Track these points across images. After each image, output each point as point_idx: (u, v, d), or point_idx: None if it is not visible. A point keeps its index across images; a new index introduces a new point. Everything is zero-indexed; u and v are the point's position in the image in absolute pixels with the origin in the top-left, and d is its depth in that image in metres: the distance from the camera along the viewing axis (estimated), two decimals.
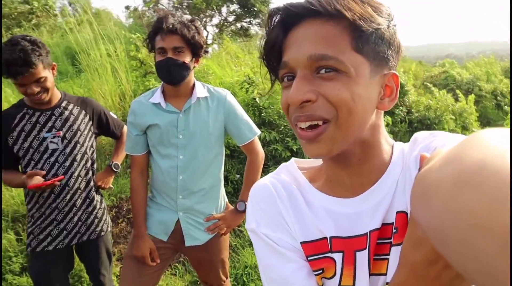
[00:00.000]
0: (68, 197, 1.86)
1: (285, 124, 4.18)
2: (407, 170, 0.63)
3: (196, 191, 1.80)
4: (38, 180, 1.70)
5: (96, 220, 1.98)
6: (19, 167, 1.87)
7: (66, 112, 1.86)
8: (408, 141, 0.69)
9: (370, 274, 0.63)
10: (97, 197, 2.01)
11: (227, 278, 2.02)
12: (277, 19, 0.61)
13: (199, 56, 1.74)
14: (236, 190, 3.70)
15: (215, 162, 1.84)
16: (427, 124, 5.19)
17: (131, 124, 1.79)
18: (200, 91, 1.77)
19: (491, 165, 0.28)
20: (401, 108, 5.01)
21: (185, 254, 1.97)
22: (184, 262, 3.08)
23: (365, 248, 0.63)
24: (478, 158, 0.29)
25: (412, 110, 5.19)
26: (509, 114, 4.12)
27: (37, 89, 1.71)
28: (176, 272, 3.00)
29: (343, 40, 0.57)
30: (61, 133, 1.83)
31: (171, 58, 1.64)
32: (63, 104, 1.87)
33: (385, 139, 0.67)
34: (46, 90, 1.75)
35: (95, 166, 2.01)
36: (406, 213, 0.61)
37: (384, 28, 0.59)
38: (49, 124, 1.82)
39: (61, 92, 1.92)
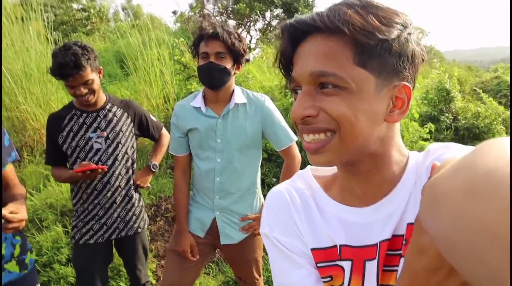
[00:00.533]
0: (109, 195, 1.98)
1: None
2: (419, 181, 0.63)
3: (233, 192, 1.86)
4: (83, 166, 1.82)
5: (134, 217, 2.08)
6: (67, 165, 2.01)
7: (110, 114, 1.98)
8: None
9: (379, 285, 0.64)
10: (136, 196, 2.11)
11: (260, 276, 2.06)
12: (286, 35, 0.63)
13: (240, 63, 1.79)
14: None
15: (252, 165, 1.89)
16: (475, 132, 4.94)
17: (174, 126, 1.88)
18: (239, 97, 1.82)
19: (502, 173, 0.28)
20: (446, 114, 4.79)
21: (221, 250, 2.05)
22: (218, 262, 3.14)
23: (375, 258, 0.64)
24: (489, 167, 0.30)
25: (459, 117, 4.97)
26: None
27: (85, 91, 1.84)
28: (209, 271, 3.07)
29: (344, 56, 0.57)
30: (105, 134, 1.95)
31: (213, 62, 1.70)
32: (108, 106, 1.99)
33: (399, 151, 0.66)
34: (92, 91, 1.88)
35: (135, 165, 2.12)
36: None
37: (392, 39, 0.57)
38: (95, 125, 1.94)
39: (107, 95, 2.04)
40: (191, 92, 4.89)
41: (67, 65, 1.75)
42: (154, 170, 2.20)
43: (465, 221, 0.30)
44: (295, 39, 0.62)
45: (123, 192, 2.03)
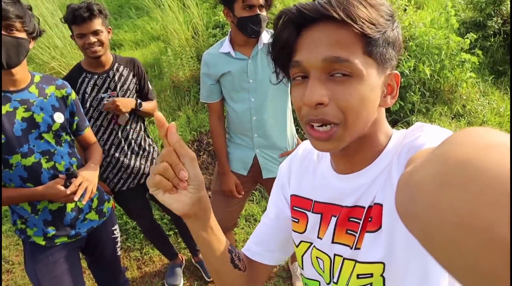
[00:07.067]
0: (126, 147, 2.15)
1: None
2: (390, 165, 0.66)
3: (270, 129, 1.96)
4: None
5: (154, 162, 2.27)
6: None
7: (118, 74, 2.07)
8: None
9: (334, 238, 0.73)
10: (149, 141, 2.29)
11: None
12: (289, 20, 0.63)
13: (270, 7, 1.84)
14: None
15: (283, 102, 1.97)
16: None
17: (205, 75, 1.95)
18: (266, 37, 1.88)
19: (475, 164, 0.28)
20: (494, 19, 4.30)
21: (262, 184, 2.19)
22: (261, 190, 3.33)
23: (337, 216, 0.73)
24: (462, 158, 0.30)
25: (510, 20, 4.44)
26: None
27: (94, 40, 1.92)
28: (253, 199, 3.28)
29: (356, 45, 0.59)
30: (115, 93, 2.05)
31: (260, 14, 1.76)
32: (115, 67, 2.07)
33: (384, 132, 0.70)
34: (101, 43, 1.95)
35: (144, 118, 2.26)
36: (382, 205, 0.65)
37: (389, 31, 0.62)
38: (105, 85, 2.04)
39: (113, 55, 2.11)
40: (219, 23, 4.78)
41: (80, 9, 1.86)
42: (139, 107, 2.14)
43: (439, 213, 0.30)
44: (298, 25, 0.63)
45: (138, 142, 2.20)
